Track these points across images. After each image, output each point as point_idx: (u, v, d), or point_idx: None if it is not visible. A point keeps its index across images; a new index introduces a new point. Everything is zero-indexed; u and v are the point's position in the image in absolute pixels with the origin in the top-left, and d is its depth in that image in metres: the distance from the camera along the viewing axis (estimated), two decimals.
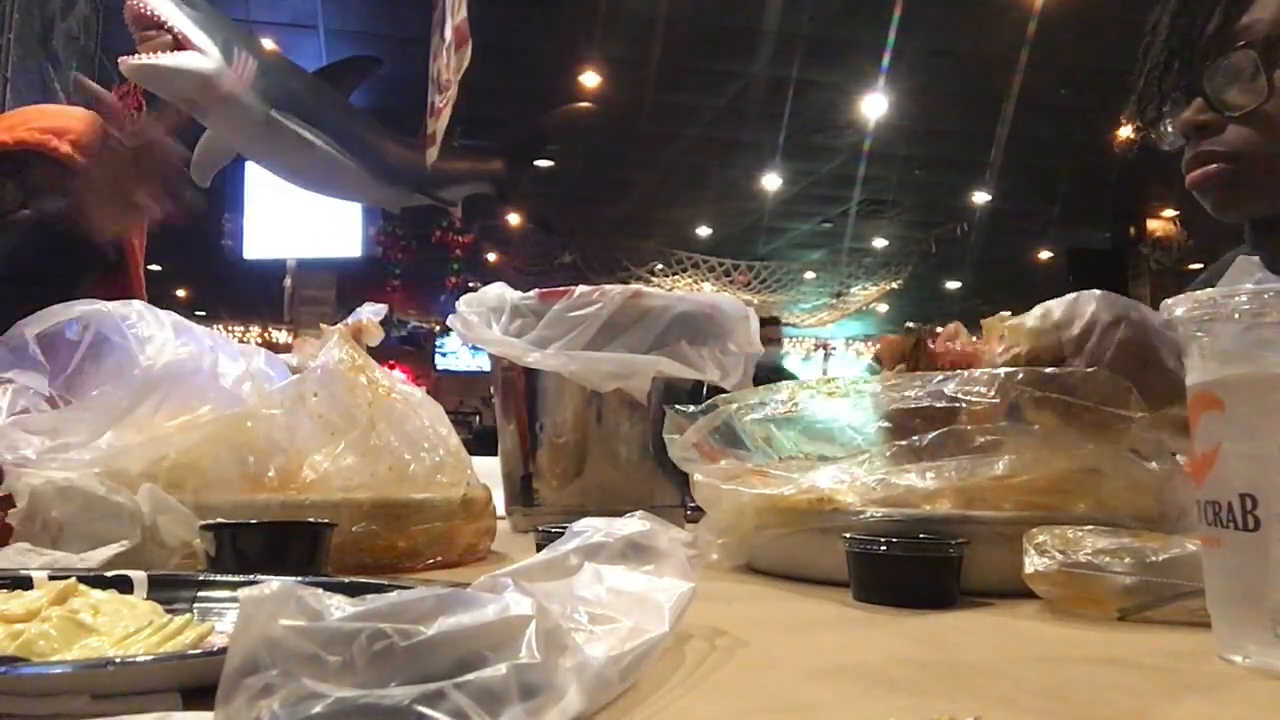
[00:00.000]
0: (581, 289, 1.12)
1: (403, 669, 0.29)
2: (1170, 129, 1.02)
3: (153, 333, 0.88)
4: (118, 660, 0.37)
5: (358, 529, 0.76)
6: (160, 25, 4.66)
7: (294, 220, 8.26)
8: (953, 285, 13.41)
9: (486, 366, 1.29)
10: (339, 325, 1.45)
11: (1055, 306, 0.87)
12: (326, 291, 10.26)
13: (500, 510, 1.01)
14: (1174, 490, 0.69)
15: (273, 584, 0.30)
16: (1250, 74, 0.94)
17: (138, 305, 0.91)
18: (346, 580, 0.56)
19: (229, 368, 0.90)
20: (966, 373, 0.75)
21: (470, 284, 9.02)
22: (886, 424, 0.77)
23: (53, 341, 0.86)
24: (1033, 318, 0.87)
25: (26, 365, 0.84)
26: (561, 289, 1.13)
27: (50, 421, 0.78)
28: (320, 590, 0.31)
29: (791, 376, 3.15)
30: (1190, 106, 0.99)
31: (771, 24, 6.58)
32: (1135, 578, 0.56)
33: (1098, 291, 0.87)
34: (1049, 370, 0.74)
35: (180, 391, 0.82)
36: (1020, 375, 0.72)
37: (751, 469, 0.80)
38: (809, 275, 12.20)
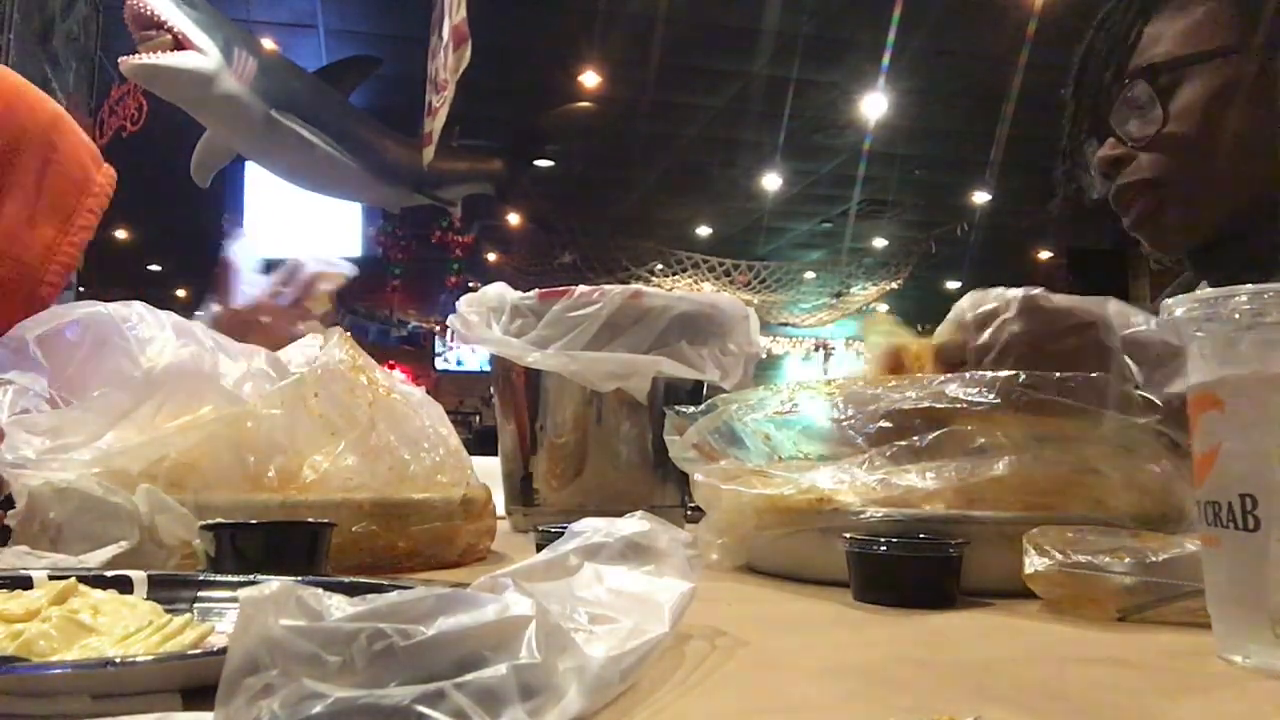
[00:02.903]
0: (581, 289, 1.12)
1: (403, 669, 0.29)
2: (1094, 176, 1.08)
3: (153, 334, 0.88)
4: (118, 660, 0.37)
5: (358, 529, 0.76)
6: (160, 25, 4.67)
7: (294, 220, 8.26)
8: (953, 285, 13.41)
9: (487, 366, 1.28)
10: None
11: (966, 303, 0.88)
12: None
13: (500, 510, 1.01)
14: (1174, 490, 0.69)
15: (273, 584, 0.30)
16: (1148, 102, 1.00)
17: (138, 306, 0.91)
18: (346, 580, 0.56)
19: (230, 368, 0.90)
20: (967, 374, 0.75)
21: (470, 284, 9.02)
22: (887, 424, 0.77)
23: (53, 342, 0.86)
24: (948, 319, 0.89)
25: (26, 366, 0.84)
26: (561, 289, 1.13)
27: (51, 422, 0.78)
28: (320, 590, 0.31)
29: None
30: (1104, 146, 1.05)
31: (771, 24, 6.58)
32: (1135, 578, 0.56)
33: (1019, 294, 0.86)
34: (1048, 373, 0.74)
35: (181, 392, 0.82)
36: (1021, 377, 0.72)
37: (751, 469, 0.80)
38: (809, 275, 12.20)
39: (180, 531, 0.68)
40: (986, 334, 0.85)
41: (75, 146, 1.29)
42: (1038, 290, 0.85)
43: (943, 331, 0.89)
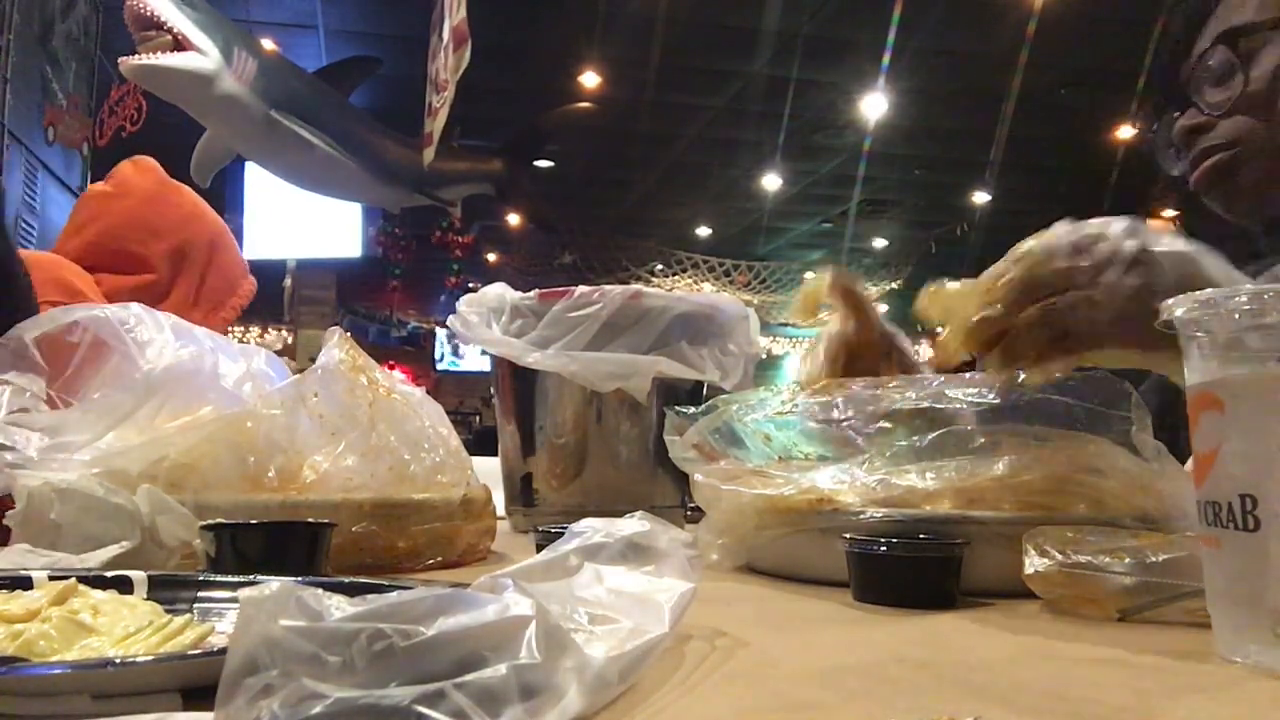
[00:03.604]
0: (581, 289, 1.12)
1: (403, 669, 0.29)
2: (1169, 153, 1.06)
3: (152, 336, 0.88)
4: (118, 660, 0.37)
5: (358, 529, 0.76)
6: (160, 25, 4.67)
7: (294, 220, 8.27)
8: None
9: (486, 366, 1.29)
10: None
11: (1066, 228, 0.73)
12: (326, 291, 10.27)
13: (500, 510, 1.01)
14: (1174, 490, 0.69)
15: (273, 584, 0.30)
16: (1226, 69, 0.98)
17: (136, 308, 0.91)
18: (346, 580, 0.56)
19: (229, 368, 0.90)
20: (967, 374, 0.75)
21: (470, 284, 9.02)
22: (887, 424, 0.77)
23: (52, 344, 0.86)
24: (1037, 238, 0.73)
25: (25, 367, 0.84)
26: (561, 289, 1.13)
27: (50, 421, 0.78)
28: (320, 590, 0.31)
29: None
30: (1184, 116, 1.02)
31: (771, 24, 6.58)
32: (1135, 578, 0.56)
33: (1123, 221, 0.72)
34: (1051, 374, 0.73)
35: (182, 393, 0.82)
36: (1021, 377, 0.72)
37: (751, 469, 0.80)
38: (809, 275, 12.19)
39: (181, 532, 0.68)
40: (1109, 274, 0.70)
41: (232, 258, 1.64)
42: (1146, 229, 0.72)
43: (1025, 258, 0.73)
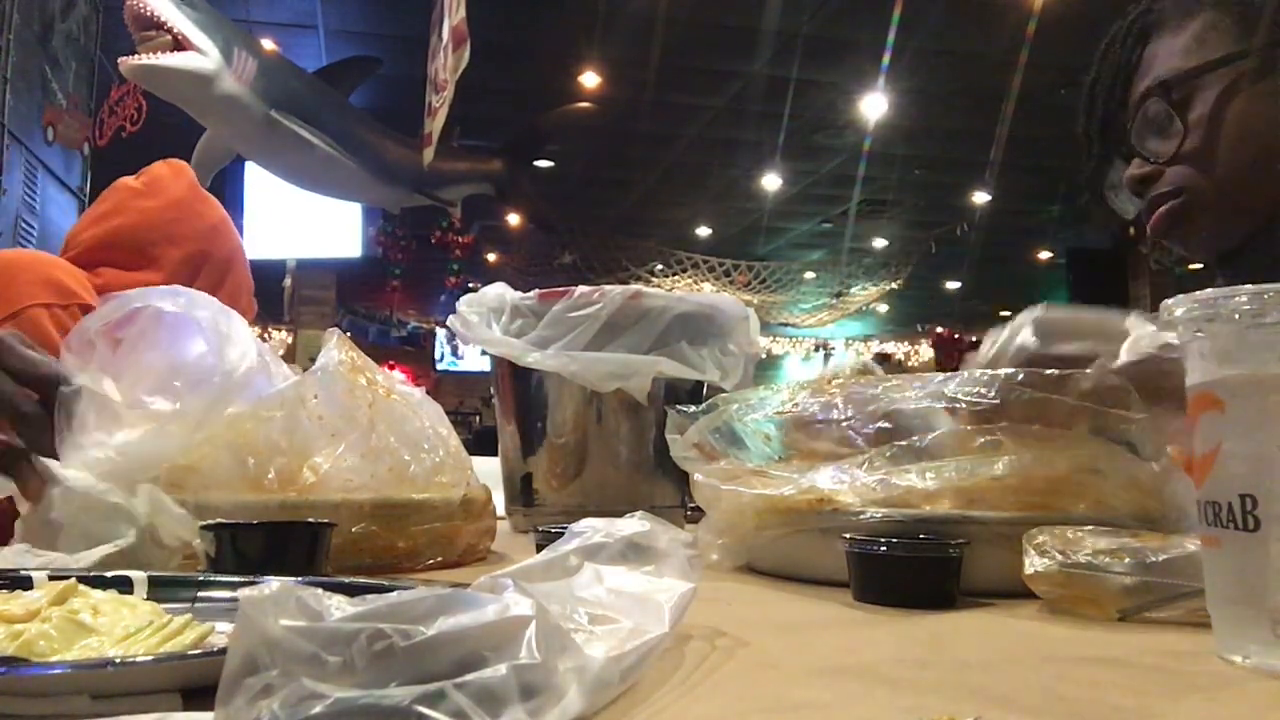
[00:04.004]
0: (581, 289, 1.12)
1: (403, 669, 0.29)
2: (1123, 198, 1.10)
3: (235, 332, 0.84)
4: (118, 660, 0.37)
5: (358, 529, 0.76)
6: (160, 25, 4.67)
7: (294, 220, 8.26)
8: (952, 285, 13.41)
9: (486, 367, 1.28)
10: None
11: (989, 340, 0.91)
12: (326, 291, 10.27)
13: (500, 510, 1.01)
14: (1174, 490, 0.69)
15: (273, 584, 0.30)
16: (1166, 119, 1.02)
17: (205, 298, 0.86)
18: (346, 580, 0.56)
19: (278, 370, 0.88)
20: (966, 373, 0.75)
21: (470, 284, 9.02)
22: (886, 424, 0.77)
23: (106, 335, 0.83)
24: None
25: (93, 368, 0.79)
26: (561, 289, 1.13)
27: (135, 434, 0.75)
28: (320, 590, 0.31)
29: None
30: (1130, 166, 1.07)
31: (771, 24, 6.58)
32: (1135, 578, 0.57)
33: (1033, 315, 0.88)
34: (1050, 371, 0.74)
35: (249, 398, 0.80)
36: (1020, 376, 0.72)
37: (751, 469, 0.80)
38: (809, 275, 12.21)
39: (181, 532, 0.68)
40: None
41: (242, 279, 1.58)
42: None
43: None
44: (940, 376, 0.75)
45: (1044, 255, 12.06)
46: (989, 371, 0.73)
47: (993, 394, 0.72)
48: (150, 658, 0.39)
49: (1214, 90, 0.99)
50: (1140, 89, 1.04)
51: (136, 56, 4.64)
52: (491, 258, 11.73)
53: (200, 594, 0.54)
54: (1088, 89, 1.12)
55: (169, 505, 0.68)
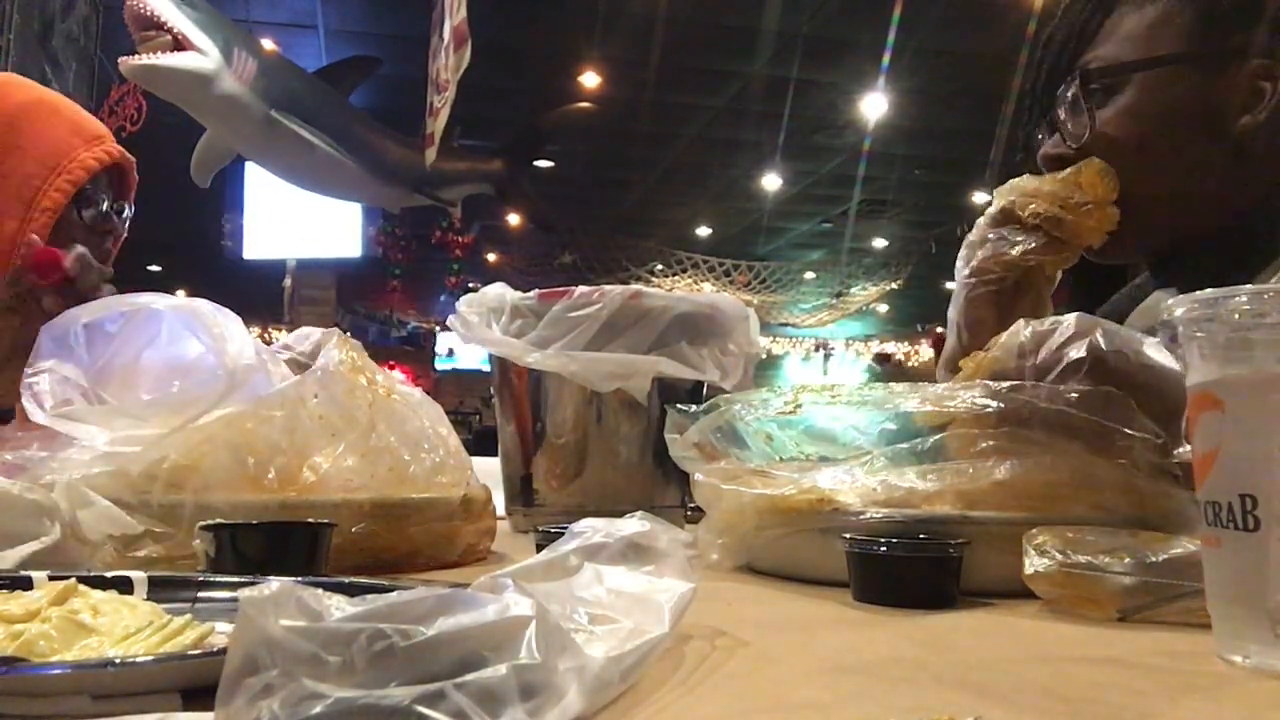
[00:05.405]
0: (581, 289, 1.12)
1: (403, 669, 0.29)
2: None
3: (233, 332, 0.85)
4: (118, 660, 0.37)
5: (357, 529, 0.76)
6: (160, 25, 4.67)
7: (294, 220, 8.27)
8: (952, 285, 13.39)
9: (486, 367, 1.28)
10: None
11: (1024, 329, 0.79)
12: (326, 292, 10.27)
13: (500, 510, 1.01)
14: (1173, 497, 0.69)
15: (273, 584, 0.30)
16: (1075, 105, 0.96)
17: (206, 304, 0.88)
18: (346, 580, 0.56)
19: (276, 371, 0.88)
20: (968, 382, 0.74)
21: (470, 284, 9.02)
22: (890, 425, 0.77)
23: (95, 332, 0.84)
24: (998, 343, 0.80)
25: (66, 356, 0.81)
26: (561, 289, 1.13)
27: (104, 413, 0.76)
28: (320, 590, 0.31)
29: None
30: (1048, 142, 1.01)
31: (771, 24, 6.58)
32: (1135, 578, 0.57)
33: (1075, 318, 0.77)
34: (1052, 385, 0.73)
35: (249, 395, 0.80)
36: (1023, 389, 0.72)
37: (752, 469, 0.80)
38: (809, 275, 12.21)
39: (105, 526, 0.67)
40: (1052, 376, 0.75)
41: (46, 129, 1.21)
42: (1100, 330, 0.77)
43: (988, 364, 0.80)
44: (944, 386, 0.75)
45: None
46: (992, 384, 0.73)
47: (998, 404, 0.71)
48: (150, 658, 0.39)
49: (1141, 90, 0.93)
50: (1080, 62, 0.98)
51: (136, 56, 4.64)
52: (491, 258, 11.73)
53: (200, 594, 0.54)
54: (1041, 44, 1.05)
55: (93, 499, 0.67)
